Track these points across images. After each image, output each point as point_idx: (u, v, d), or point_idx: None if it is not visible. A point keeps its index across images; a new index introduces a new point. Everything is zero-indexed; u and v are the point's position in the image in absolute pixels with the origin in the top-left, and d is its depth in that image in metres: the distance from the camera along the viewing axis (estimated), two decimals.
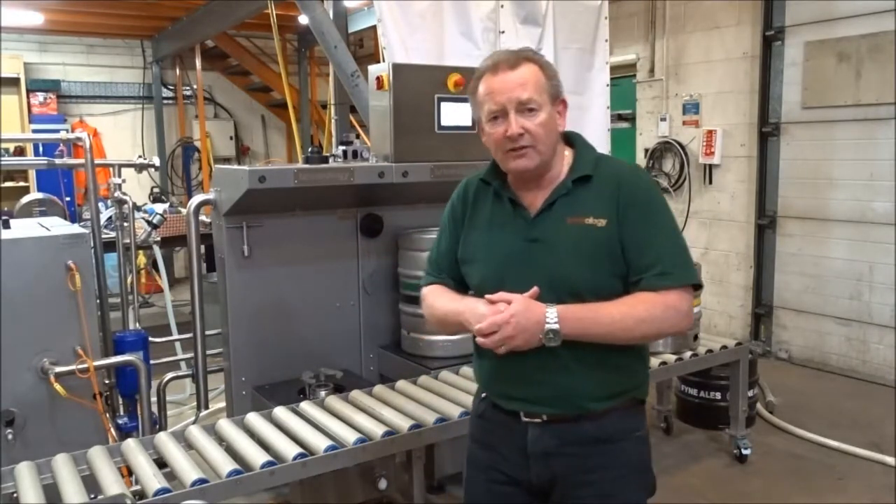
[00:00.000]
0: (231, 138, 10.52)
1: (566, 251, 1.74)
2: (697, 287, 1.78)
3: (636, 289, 1.72)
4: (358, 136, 4.26)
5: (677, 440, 4.39)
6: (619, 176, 1.78)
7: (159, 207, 5.88)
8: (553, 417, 1.79)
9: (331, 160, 3.59)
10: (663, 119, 6.70)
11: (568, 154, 1.86)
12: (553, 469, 1.81)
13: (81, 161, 4.05)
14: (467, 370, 3.40)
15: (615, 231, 1.72)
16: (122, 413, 3.63)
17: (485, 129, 1.81)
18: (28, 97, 8.82)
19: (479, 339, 1.72)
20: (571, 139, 1.89)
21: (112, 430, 3.23)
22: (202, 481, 2.32)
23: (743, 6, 6.02)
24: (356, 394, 3.08)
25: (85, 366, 3.00)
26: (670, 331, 1.78)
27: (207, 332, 3.58)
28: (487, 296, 1.72)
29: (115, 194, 4.32)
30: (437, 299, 1.94)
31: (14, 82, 8.63)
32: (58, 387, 2.93)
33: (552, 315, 1.65)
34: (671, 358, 3.77)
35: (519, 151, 1.75)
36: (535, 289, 1.69)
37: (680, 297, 1.71)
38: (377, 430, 2.70)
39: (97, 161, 4.30)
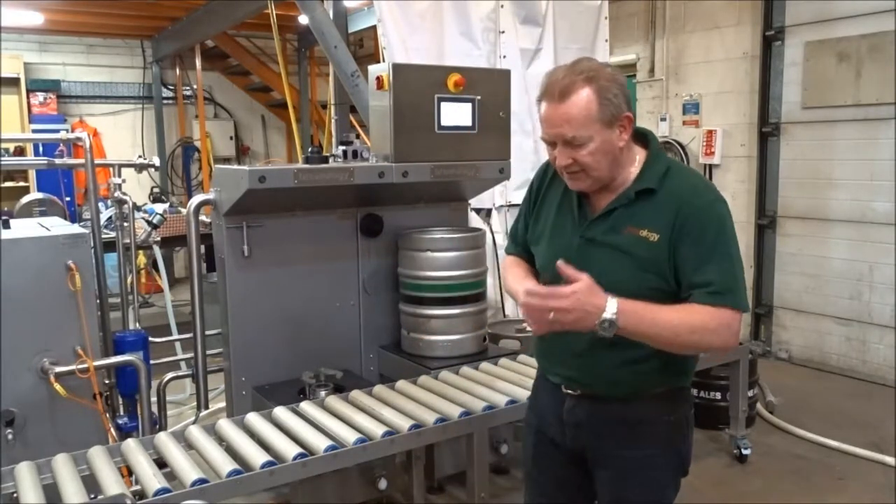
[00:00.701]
0: (231, 138, 10.51)
1: (616, 257, 1.80)
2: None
3: (688, 302, 1.74)
4: (358, 136, 4.25)
5: None
6: (680, 197, 1.78)
7: (159, 207, 5.88)
8: (587, 394, 1.91)
9: (331, 160, 3.59)
10: (663, 119, 6.70)
11: (640, 156, 1.86)
12: (584, 440, 1.94)
13: (81, 161, 4.04)
14: (467, 370, 3.40)
15: (665, 249, 1.76)
16: (122, 413, 3.63)
17: None
18: (28, 97, 8.81)
19: (523, 312, 1.74)
20: (647, 140, 1.88)
21: (112, 430, 3.23)
22: (202, 481, 2.32)
23: (743, 6, 6.02)
24: (356, 394, 3.08)
25: (85, 366, 3.00)
26: (716, 345, 1.77)
27: (207, 332, 3.58)
28: (560, 263, 1.70)
29: (115, 194, 4.32)
30: (509, 273, 2.09)
31: (14, 82, 8.62)
32: (58, 387, 2.93)
33: (612, 305, 1.64)
34: None
35: (571, 175, 1.82)
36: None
37: (733, 317, 1.73)
38: (377, 430, 2.70)
39: (97, 161, 4.29)
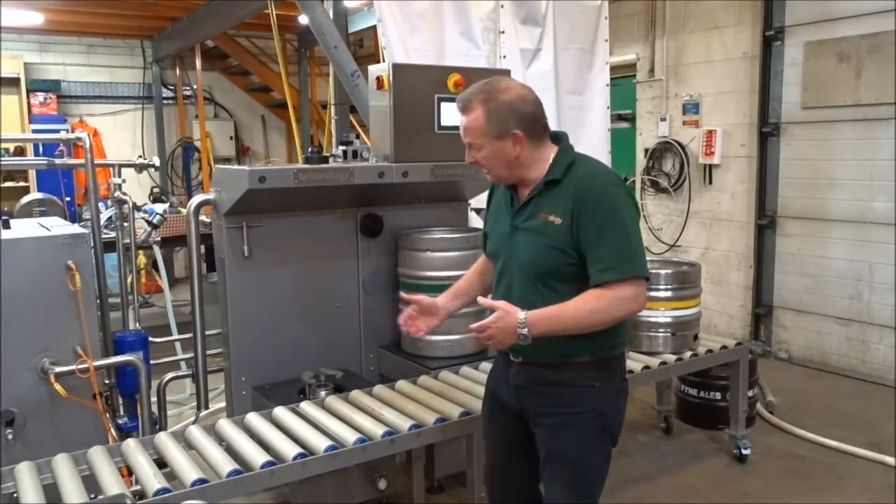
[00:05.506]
0: (231, 138, 10.50)
1: (532, 239, 2.16)
2: (647, 278, 2.11)
3: (591, 283, 2.07)
4: (358, 136, 4.25)
5: (677, 440, 4.39)
6: (578, 182, 2.11)
7: (159, 207, 5.87)
8: (527, 361, 2.24)
9: (331, 160, 3.59)
10: (663, 119, 6.70)
11: (553, 154, 2.20)
12: (524, 401, 2.28)
13: (81, 161, 4.04)
14: (467, 370, 3.40)
15: (568, 229, 2.09)
16: (122, 413, 3.63)
17: None
18: (28, 97, 8.81)
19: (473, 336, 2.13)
20: (559, 140, 2.23)
21: (112, 430, 3.23)
22: (202, 481, 2.33)
23: (743, 6, 6.02)
24: (356, 394, 3.08)
25: (85, 366, 3.00)
26: (623, 315, 2.10)
27: (207, 332, 3.58)
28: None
29: (115, 194, 4.32)
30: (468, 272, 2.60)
31: (14, 82, 8.62)
32: (58, 387, 2.93)
33: (522, 320, 2.04)
34: (671, 358, 3.77)
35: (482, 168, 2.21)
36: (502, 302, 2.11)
37: (626, 287, 2.05)
38: (377, 430, 2.70)
39: (97, 161, 4.29)
